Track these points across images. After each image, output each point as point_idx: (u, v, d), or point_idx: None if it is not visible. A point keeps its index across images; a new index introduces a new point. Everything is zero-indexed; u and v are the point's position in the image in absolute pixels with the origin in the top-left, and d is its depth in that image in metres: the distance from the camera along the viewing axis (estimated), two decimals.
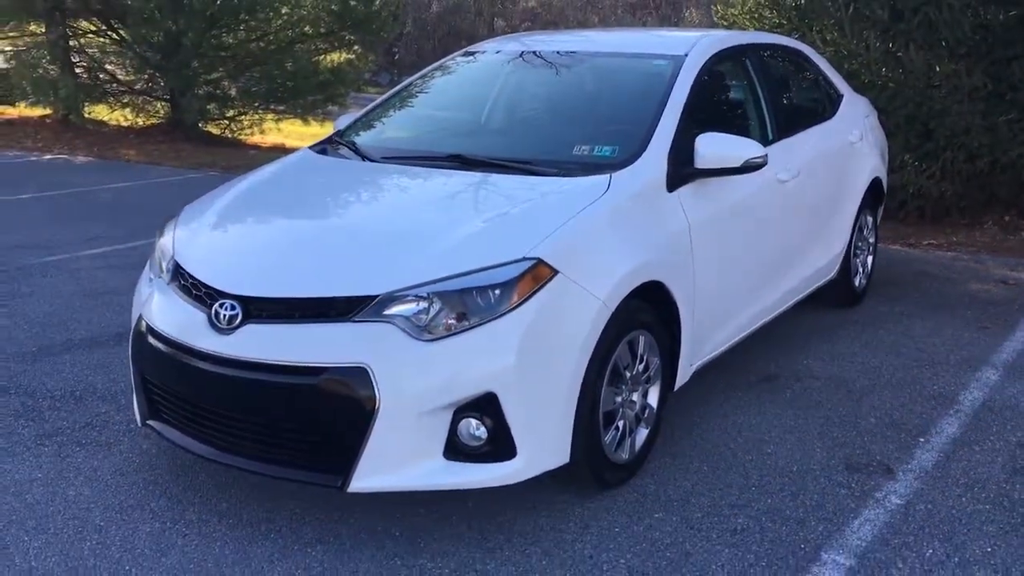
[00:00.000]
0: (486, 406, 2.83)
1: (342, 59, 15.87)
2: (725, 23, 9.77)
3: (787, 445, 3.68)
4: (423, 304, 2.84)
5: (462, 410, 2.83)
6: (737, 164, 3.62)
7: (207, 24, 13.58)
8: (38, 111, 15.48)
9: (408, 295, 2.85)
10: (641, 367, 3.35)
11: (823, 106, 5.29)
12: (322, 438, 2.88)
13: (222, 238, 3.44)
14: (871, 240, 5.67)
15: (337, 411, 2.81)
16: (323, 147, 4.26)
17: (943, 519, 3.13)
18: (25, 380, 4.24)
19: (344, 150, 4.13)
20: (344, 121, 4.50)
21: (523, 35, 5.14)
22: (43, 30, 14.52)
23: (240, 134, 15.08)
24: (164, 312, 3.19)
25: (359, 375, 2.77)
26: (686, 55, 4.09)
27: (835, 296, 5.35)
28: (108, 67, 14.88)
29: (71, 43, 14.64)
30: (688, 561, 2.87)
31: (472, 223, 3.16)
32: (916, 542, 2.99)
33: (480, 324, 2.83)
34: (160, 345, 3.14)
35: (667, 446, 3.61)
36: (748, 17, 9.29)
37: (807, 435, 3.77)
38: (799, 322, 5.10)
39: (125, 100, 14.89)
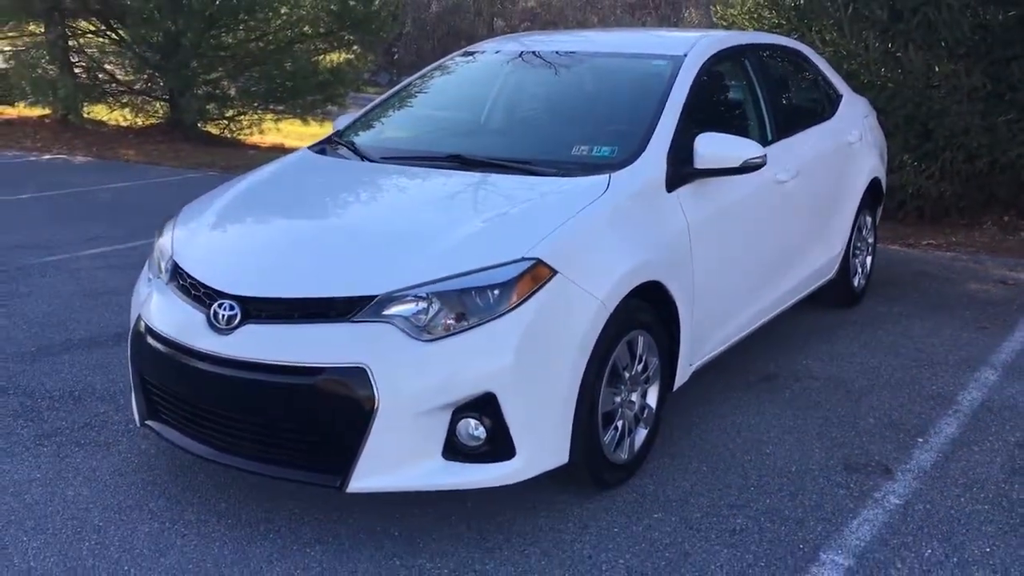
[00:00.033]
0: (485, 406, 2.83)
1: (341, 59, 15.87)
2: (724, 23, 9.77)
3: (786, 445, 3.68)
4: (422, 304, 2.84)
5: (461, 410, 2.83)
6: (736, 164, 3.62)
7: (206, 24, 13.58)
8: (37, 111, 15.47)
9: (407, 295, 2.85)
10: (640, 367, 3.35)
11: (822, 106, 5.29)
12: (321, 438, 2.88)
13: (221, 238, 3.44)
14: (870, 240, 5.67)
15: (336, 411, 2.81)
16: (322, 147, 4.26)
17: (942, 519, 3.13)
18: (24, 380, 4.24)
19: (343, 150, 4.13)
20: (343, 121, 4.50)
21: (522, 35, 5.14)
22: (42, 30, 14.51)
23: (239, 134, 15.08)
24: (163, 312, 3.19)
25: (358, 375, 2.77)
26: (685, 55, 4.09)
27: (834, 296, 5.35)
28: (107, 67, 14.87)
29: (70, 43, 14.63)
30: (687, 561, 2.88)
31: (471, 223, 3.16)
32: (915, 542, 2.99)
33: (479, 324, 2.83)
34: (159, 345, 3.13)
35: (666, 446, 3.61)
36: (747, 17, 9.29)
37: (806, 435, 3.77)
38: (798, 322, 5.10)
39: (124, 100, 14.89)
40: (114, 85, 14.77)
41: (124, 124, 14.95)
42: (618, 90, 4.24)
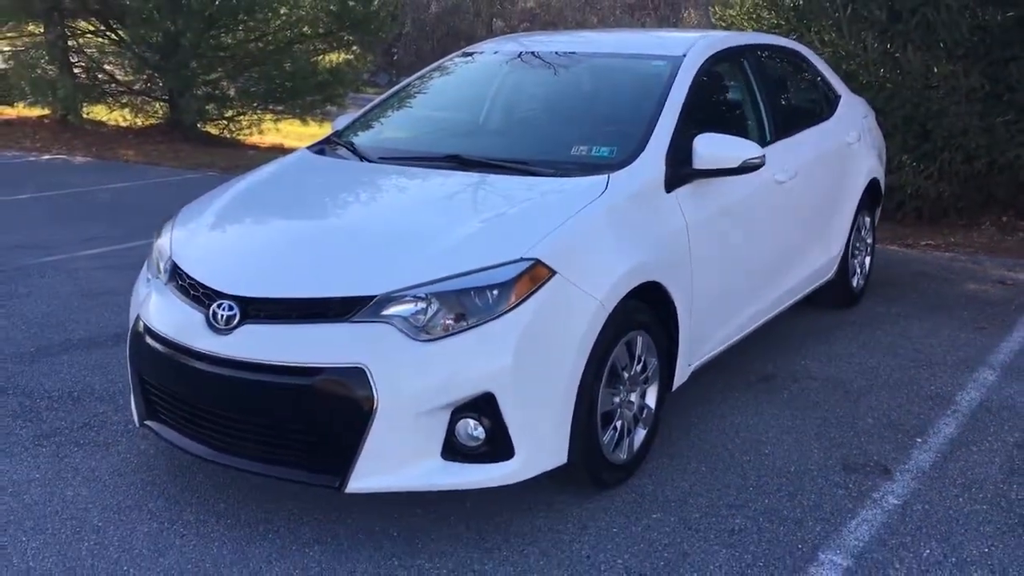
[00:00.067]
0: (484, 406, 2.83)
1: (341, 59, 15.87)
2: (723, 24, 9.77)
3: (784, 446, 3.68)
4: (421, 304, 2.84)
5: (460, 410, 2.83)
6: (735, 165, 3.63)
7: (206, 24, 13.58)
8: (36, 111, 15.47)
9: (406, 295, 2.85)
10: (639, 367, 3.35)
11: (821, 107, 5.30)
12: (320, 438, 2.88)
13: (220, 238, 3.44)
14: (869, 241, 5.67)
15: (335, 411, 2.81)
16: (321, 147, 4.26)
17: (940, 519, 3.13)
18: (23, 381, 4.24)
19: (342, 150, 4.13)
20: (342, 121, 4.50)
21: (521, 36, 5.14)
22: (42, 30, 14.51)
23: (239, 134, 15.08)
24: (162, 312, 3.19)
25: (357, 375, 2.77)
26: (684, 56, 4.09)
27: (833, 297, 5.35)
28: (107, 67, 14.87)
29: (69, 43, 14.63)
30: (686, 561, 2.88)
31: (470, 223, 3.17)
32: (913, 542, 2.99)
33: (478, 324, 2.83)
34: (158, 345, 3.14)
35: (665, 446, 3.61)
36: (746, 18, 9.29)
37: (804, 436, 3.77)
38: (797, 323, 5.10)
39: (124, 100, 14.89)
40: (113, 85, 14.77)
41: (123, 124, 14.95)
42: (617, 90, 4.25)
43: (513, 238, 3.02)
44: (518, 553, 2.91)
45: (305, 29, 15.00)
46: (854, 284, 5.49)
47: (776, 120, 4.55)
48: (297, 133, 15.33)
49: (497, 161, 3.65)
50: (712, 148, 3.62)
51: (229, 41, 14.65)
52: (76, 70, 14.64)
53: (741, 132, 4.25)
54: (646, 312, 3.32)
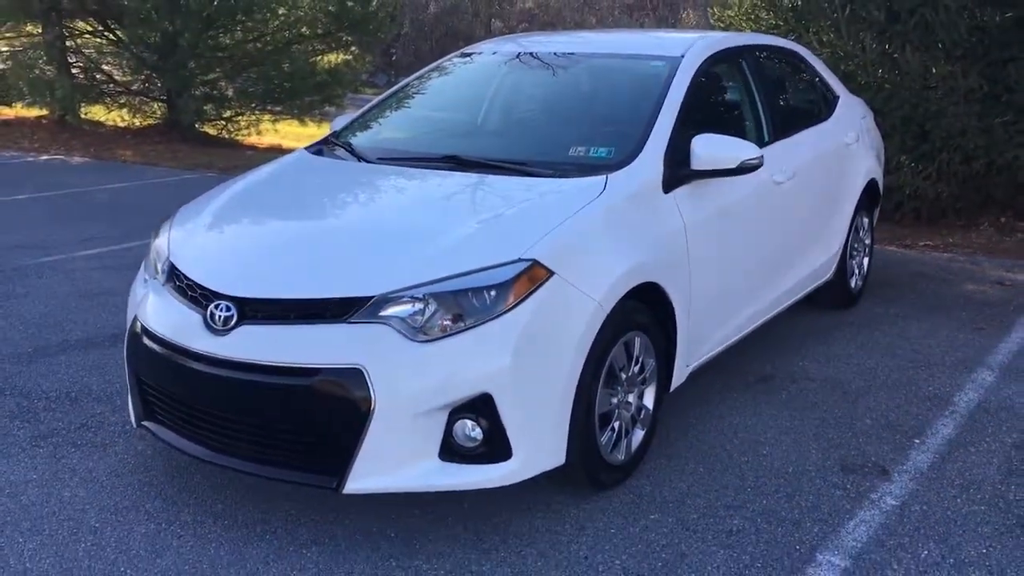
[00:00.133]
0: (482, 407, 2.83)
1: (339, 60, 15.86)
2: (722, 24, 9.77)
3: (783, 446, 3.68)
4: (419, 305, 2.84)
5: (458, 411, 2.83)
6: (733, 165, 3.63)
7: (204, 25, 13.57)
8: (35, 112, 15.45)
9: (404, 296, 2.85)
10: (637, 368, 3.35)
11: (819, 108, 5.30)
12: (317, 439, 2.88)
13: (217, 239, 3.44)
14: (867, 241, 5.67)
15: (332, 412, 2.81)
16: (319, 148, 4.26)
17: (938, 520, 3.13)
18: (20, 381, 4.24)
19: (340, 151, 4.13)
20: (340, 122, 4.50)
21: (520, 36, 5.14)
22: (39, 30, 14.49)
23: (237, 135, 15.07)
24: (159, 313, 3.19)
25: (354, 376, 2.77)
26: (682, 56, 4.09)
27: (831, 297, 5.35)
28: (105, 68, 14.86)
29: (67, 43, 14.61)
30: (684, 562, 2.88)
31: (468, 224, 3.16)
32: (911, 543, 2.99)
33: (476, 325, 2.83)
34: (155, 346, 3.13)
35: (663, 447, 3.61)
36: (744, 18, 9.29)
37: (803, 436, 3.77)
38: (795, 323, 5.10)
39: (122, 101, 14.87)
40: (111, 86, 14.76)
41: (121, 125, 14.94)
42: (615, 91, 4.25)
43: (511, 239, 3.02)
44: (516, 554, 2.91)
45: (303, 29, 14.99)
46: (852, 285, 5.49)
47: (774, 121, 4.55)
48: (295, 134, 15.32)
49: (495, 162, 3.65)
50: (710, 149, 3.62)
51: (227, 41, 14.64)
52: (74, 70, 14.63)
53: (739, 133, 4.25)
54: (644, 313, 3.32)
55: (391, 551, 2.92)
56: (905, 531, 3.06)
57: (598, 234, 3.21)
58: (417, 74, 4.80)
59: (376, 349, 2.79)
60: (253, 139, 15.10)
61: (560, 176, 3.48)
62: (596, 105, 4.22)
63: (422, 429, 2.81)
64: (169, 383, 3.13)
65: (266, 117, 15.10)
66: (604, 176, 3.41)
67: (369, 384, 2.75)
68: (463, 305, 2.84)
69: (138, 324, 3.25)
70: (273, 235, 3.47)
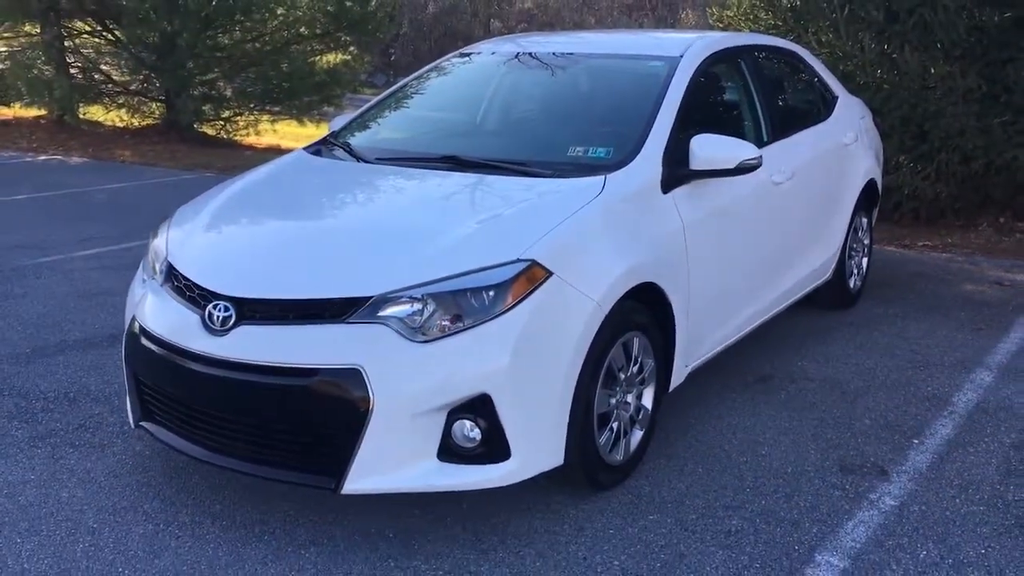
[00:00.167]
0: (480, 407, 2.83)
1: (338, 60, 15.84)
2: (721, 24, 9.77)
3: (781, 447, 3.68)
4: (417, 305, 2.83)
5: (456, 411, 2.83)
6: (732, 166, 3.62)
7: (202, 25, 13.55)
8: (33, 112, 15.44)
9: (402, 296, 2.85)
10: (635, 368, 3.34)
11: (818, 108, 5.30)
12: (316, 439, 2.88)
13: (216, 239, 3.44)
14: (866, 242, 5.68)
15: (331, 412, 2.81)
16: (317, 148, 4.25)
17: (937, 521, 3.13)
18: (18, 381, 4.23)
19: (339, 151, 4.13)
20: (339, 122, 4.50)
21: (519, 36, 5.14)
22: (38, 31, 14.47)
23: (235, 135, 15.05)
24: (157, 313, 3.19)
25: (353, 376, 2.76)
26: (681, 56, 4.09)
27: (830, 298, 5.35)
28: (103, 68, 14.83)
29: (66, 44, 14.59)
30: (682, 563, 2.87)
31: (467, 224, 3.16)
32: (910, 544, 2.99)
33: (474, 325, 2.83)
34: (153, 346, 3.13)
35: (662, 447, 3.61)
36: (743, 18, 9.28)
37: (801, 437, 3.77)
38: (794, 324, 5.10)
39: (120, 101, 14.85)
40: (110, 86, 14.74)
41: (120, 125, 14.92)
42: (614, 91, 4.24)
43: (510, 239, 3.01)
44: (514, 554, 2.91)
45: (302, 30, 14.97)
46: (851, 285, 5.49)
47: (773, 121, 4.55)
48: (294, 134, 15.31)
49: (494, 162, 3.65)
50: (709, 149, 3.62)
51: (226, 41, 14.62)
52: (72, 70, 14.60)
53: (738, 133, 4.25)
54: (643, 313, 3.32)
55: (389, 551, 2.92)
56: (904, 531, 3.06)
57: (597, 234, 3.21)
58: (416, 74, 4.80)
59: (375, 349, 2.79)
60: (252, 139, 15.08)
61: (559, 176, 3.48)
62: (595, 105, 4.21)
63: (421, 429, 2.81)
64: (167, 384, 3.12)
65: (265, 117, 15.08)
66: (603, 176, 3.41)
67: (368, 384, 2.75)
68: (462, 305, 2.84)
69: (136, 324, 3.25)
70: (271, 235, 3.47)
